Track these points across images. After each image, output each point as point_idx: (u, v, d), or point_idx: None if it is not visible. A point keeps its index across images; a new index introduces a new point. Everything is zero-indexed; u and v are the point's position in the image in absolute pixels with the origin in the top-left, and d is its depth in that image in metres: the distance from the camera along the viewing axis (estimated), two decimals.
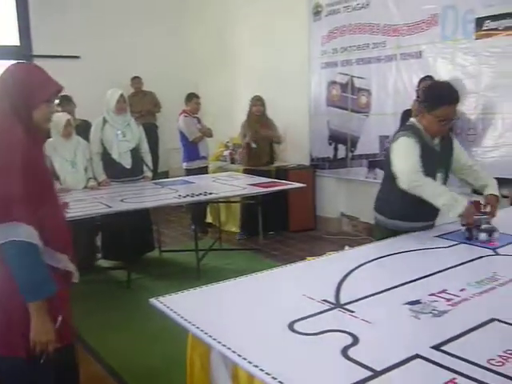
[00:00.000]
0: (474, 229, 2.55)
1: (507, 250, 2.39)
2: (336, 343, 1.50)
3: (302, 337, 1.56)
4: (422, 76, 4.70)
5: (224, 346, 1.52)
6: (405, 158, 2.62)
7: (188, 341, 1.81)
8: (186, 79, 7.57)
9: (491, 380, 1.28)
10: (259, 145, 5.91)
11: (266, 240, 5.74)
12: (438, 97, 2.63)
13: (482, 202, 2.69)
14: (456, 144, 2.87)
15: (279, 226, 6.18)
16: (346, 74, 5.83)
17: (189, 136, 6.06)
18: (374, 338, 1.54)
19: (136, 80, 7.61)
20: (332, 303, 1.80)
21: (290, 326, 1.62)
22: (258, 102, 5.87)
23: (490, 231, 2.51)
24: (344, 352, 1.45)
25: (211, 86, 7.53)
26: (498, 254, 2.35)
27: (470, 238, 2.56)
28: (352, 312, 1.73)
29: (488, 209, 2.64)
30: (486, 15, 4.50)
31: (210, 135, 6.25)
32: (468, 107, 4.63)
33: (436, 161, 2.74)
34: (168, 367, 2.98)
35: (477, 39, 4.59)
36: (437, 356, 1.41)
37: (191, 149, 6.12)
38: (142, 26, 7.66)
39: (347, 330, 1.58)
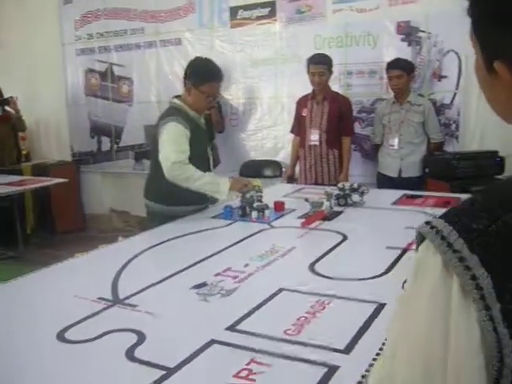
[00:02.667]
0: (248, 207, 2.55)
1: (280, 223, 2.43)
2: (119, 345, 1.27)
3: (75, 346, 1.29)
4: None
5: None
6: (173, 147, 2.53)
7: None
8: None
9: (290, 351, 1.19)
10: (2, 140, 5.15)
11: (30, 246, 5.10)
12: (206, 73, 2.65)
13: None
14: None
15: (45, 229, 5.57)
16: (105, 62, 5.49)
17: None
18: (163, 332, 1.36)
19: None
20: (109, 300, 1.56)
21: (60, 336, 1.33)
22: None
23: (262, 209, 2.53)
24: (129, 353, 1.22)
25: None
26: (273, 227, 2.37)
27: (244, 215, 2.55)
28: (134, 306, 1.51)
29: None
30: (239, 5, 4.65)
31: None
32: (230, 93, 4.74)
33: (204, 139, 2.80)
34: None
35: (232, 28, 4.72)
36: (233, 337, 1.28)
37: None
38: None
39: (131, 328, 1.35)
